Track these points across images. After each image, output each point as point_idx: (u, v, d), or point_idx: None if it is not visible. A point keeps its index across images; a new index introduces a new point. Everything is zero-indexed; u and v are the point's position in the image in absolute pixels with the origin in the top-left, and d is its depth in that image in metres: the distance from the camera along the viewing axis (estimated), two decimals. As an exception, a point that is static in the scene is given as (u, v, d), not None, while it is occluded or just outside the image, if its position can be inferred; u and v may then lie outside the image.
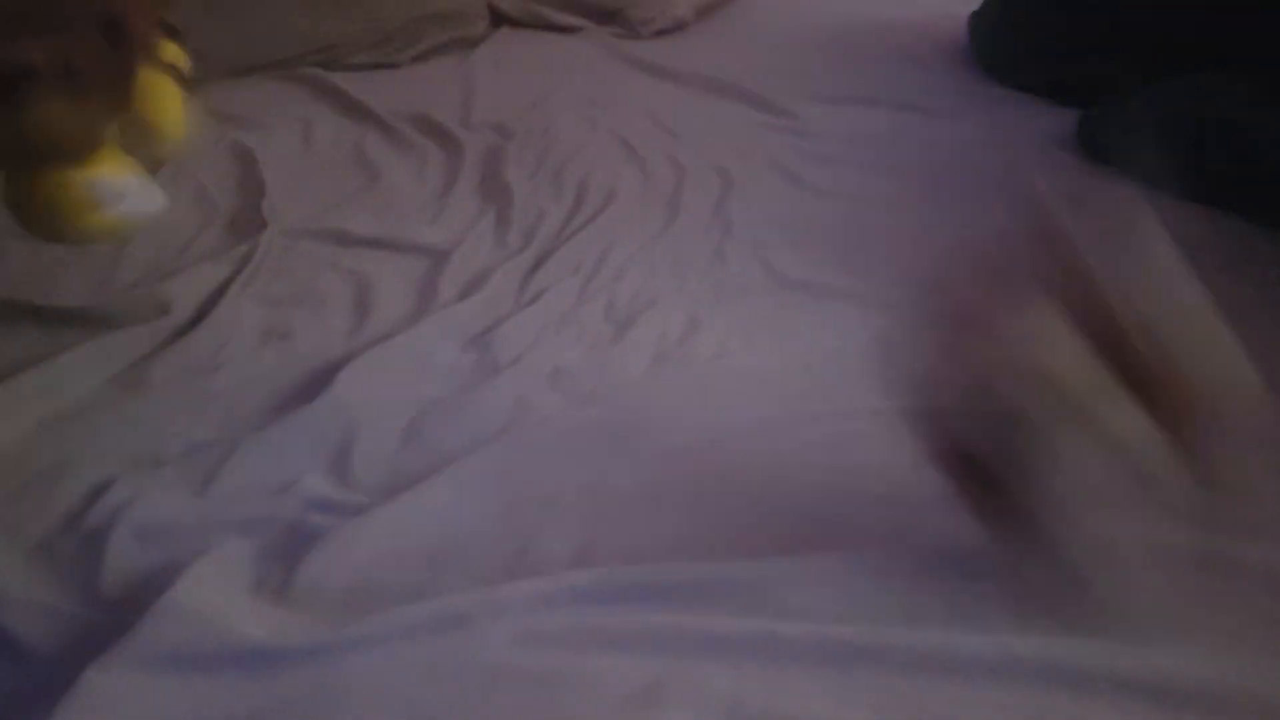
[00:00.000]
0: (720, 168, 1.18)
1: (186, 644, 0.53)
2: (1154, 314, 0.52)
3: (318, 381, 0.83)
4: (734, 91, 1.39)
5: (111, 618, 0.57)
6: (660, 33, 1.63)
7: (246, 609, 0.56)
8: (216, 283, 0.95)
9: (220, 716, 0.51)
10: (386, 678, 0.53)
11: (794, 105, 1.33)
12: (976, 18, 1.49)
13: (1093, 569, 0.52)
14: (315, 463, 0.72)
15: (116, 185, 0.78)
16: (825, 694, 0.52)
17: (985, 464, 0.54)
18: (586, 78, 1.46)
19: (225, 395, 0.81)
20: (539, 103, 1.37)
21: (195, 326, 0.89)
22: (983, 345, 0.50)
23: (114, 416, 0.77)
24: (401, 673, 0.54)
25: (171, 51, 0.87)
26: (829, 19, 1.69)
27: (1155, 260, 0.53)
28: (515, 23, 1.66)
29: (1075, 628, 0.55)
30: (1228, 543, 0.54)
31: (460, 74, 1.47)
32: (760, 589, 0.58)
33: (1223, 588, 0.53)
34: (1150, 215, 0.53)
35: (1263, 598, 0.53)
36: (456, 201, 1.14)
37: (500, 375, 0.84)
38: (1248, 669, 0.53)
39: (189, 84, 0.90)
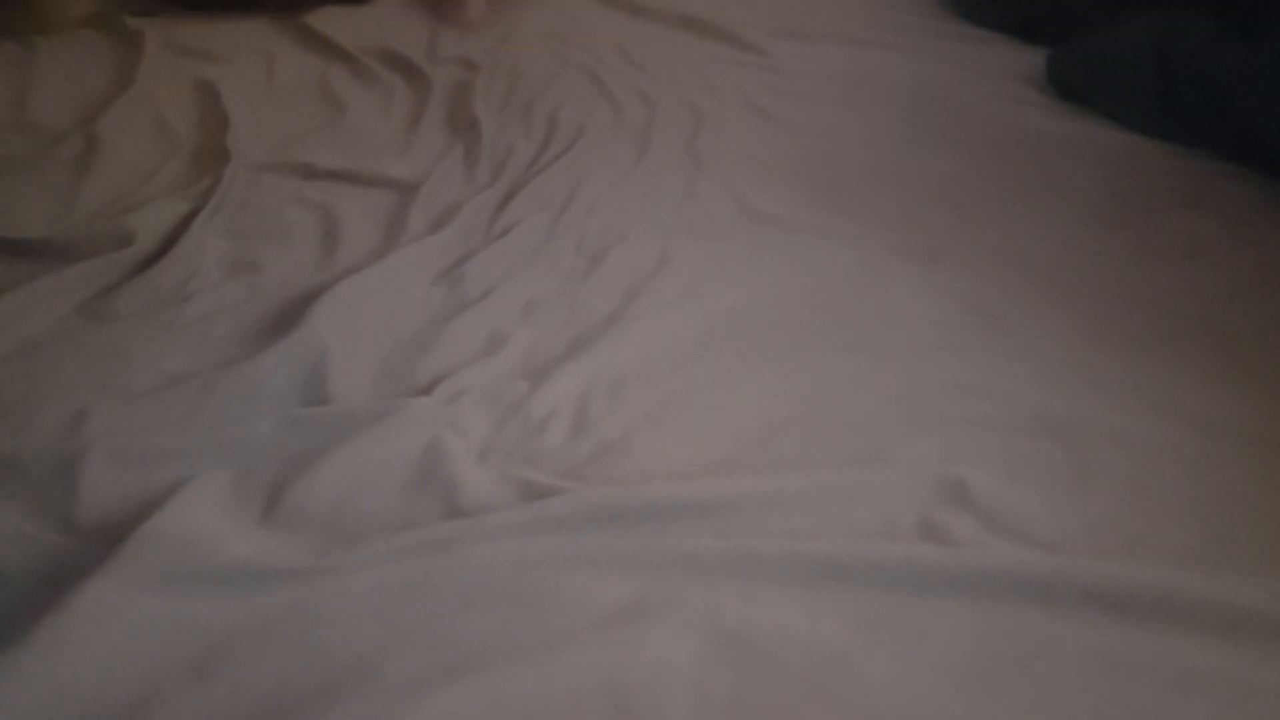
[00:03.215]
0: (690, 103, 1.18)
1: (171, 566, 0.53)
2: None
3: (288, 314, 0.82)
4: (704, 27, 1.38)
5: (88, 544, 0.57)
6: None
7: (230, 532, 0.56)
8: (181, 215, 0.94)
9: (205, 635, 0.51)
10: (368, 598, 0.54)
11: (764, 42, 1.33)
12: (947, -43, 1.49)
13: None
14: (292, 394, 0.72)
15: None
16: (800, 608, 0.53)
17: None
18: (555, 12, 1.44)
19: (195, 326, 0.80)
20: (506, 37, 1.35)
21: (161, 258, 0.88)
22: None
23: (83, 347, 0.76)
24: (383, 593, 0.54)
25: None
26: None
27: None
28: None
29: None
30: None
31: (425, 9, 1.44)
32: (738, 510, 0.60)
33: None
34: None
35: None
36: (424, 136, 1.13)
37: (472, 308, 0.84)
38: (1203, 580, 0.55)
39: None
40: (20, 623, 0.51)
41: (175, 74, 1.21)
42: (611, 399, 0.74)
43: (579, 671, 0.50)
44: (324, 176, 1.03)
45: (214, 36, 1.33)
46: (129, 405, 0.69)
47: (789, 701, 0.49)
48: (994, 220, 0.95)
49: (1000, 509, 0.61)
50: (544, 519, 0.59)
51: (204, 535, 0.56)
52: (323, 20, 1.39)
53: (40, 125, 1.08)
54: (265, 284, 0.87)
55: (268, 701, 0.49)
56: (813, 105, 1.18)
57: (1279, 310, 0.83)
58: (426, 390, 0.74)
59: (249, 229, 0.94)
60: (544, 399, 0.74)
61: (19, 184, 0.97)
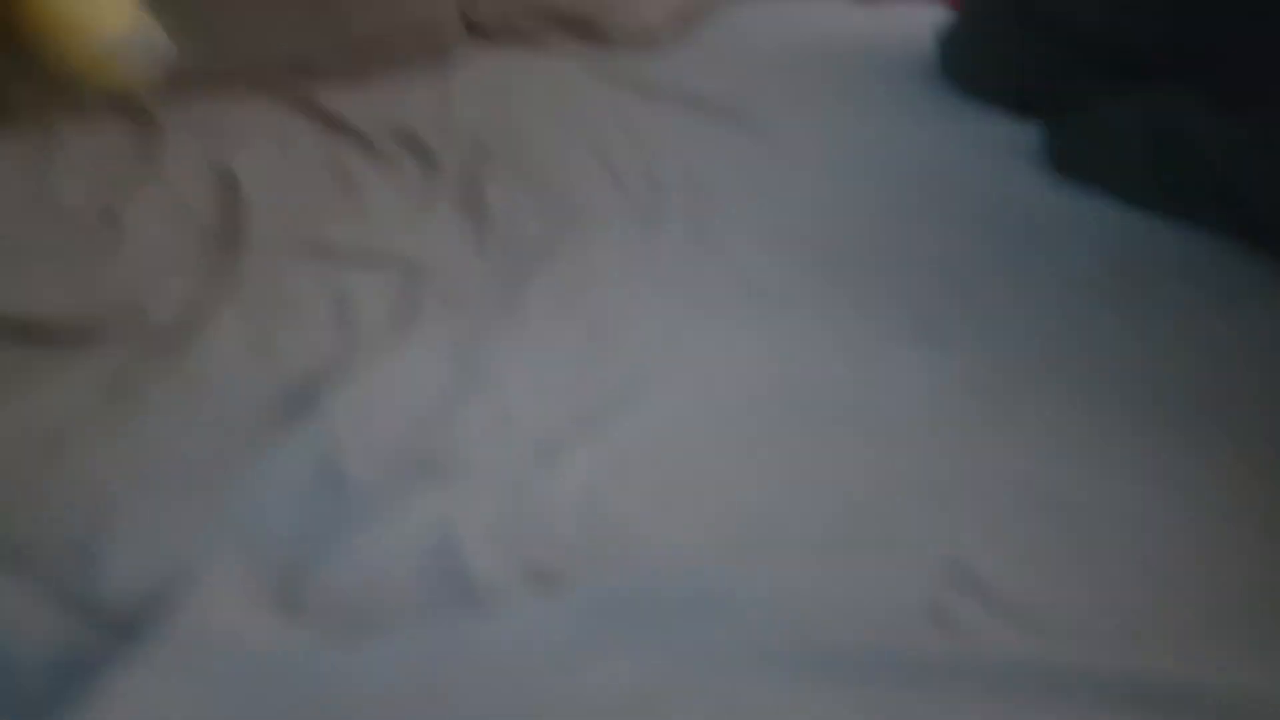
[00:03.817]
0: (695, 181, 1.21)
1: (190, 655, 0.54)
2: None
3: (303, 397, 0.84)
4: (708, 105, 1.41)
5: (109, 632, 0.58)
6: (636, 46, 1.65)
7: (248, 621, 0.57)
8: (199, 298, 0.96)
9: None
10: (384, 686, 0.55)
11: (767, 118, 1.36)
12: (943, 33, 1.53)
13: None
14: (307, 478, 0.73)
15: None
16: (813, 700, 0.54)
17: None
18: (563, 94, 1.48)
19: (214, 409, 0.82)
20: (516, 115, 1.39)
21: (180, 340, 0.90)
22: None
23: (102, 431, 0.78)
24: (398, 682, 0.55)
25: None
26: (802, 32, 1.72)
27: None
28: (490, 33, 1.67)
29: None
30: None
31: (436, 86, 1.48)
32: (749, 598, 0.60)
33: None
34: None
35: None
36: (436, 215, 1.15)
37: (482, 389, 0.86)
38: (1215, 670, 0.56)
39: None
40: (40, 711, 0.52)
41: (194, 156, 1.24)
42: (620, 479, 0.75)
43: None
44: (338, 256, 1.06)
45: (232, 117, 1.36)
46: (148, 491, 0.71)
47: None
48: (992, 295, 0.97)
49: (1007, 592, 0.62)
50: (555, 606, 0.60)
51: (222, 624, 0.57)
52: (336, 99, 1.43)
53: (62, 208, 1.11)
54: (281, 366, 0.89)
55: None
56: (814, 181, 1.21)
57: (1274, 383, 0.85)
58: (438, 471, 0.75)
59: (266, 310, 0.96)
60: (553, 479, 0.75)
61: (41, 267, 1.00)
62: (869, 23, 1.76)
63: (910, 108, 1.41)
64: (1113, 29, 1.26)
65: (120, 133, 1.31)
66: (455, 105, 1.43)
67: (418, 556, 0.66)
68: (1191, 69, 1.18)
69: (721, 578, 0.62)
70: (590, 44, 1.66)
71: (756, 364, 0.88)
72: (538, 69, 1.57)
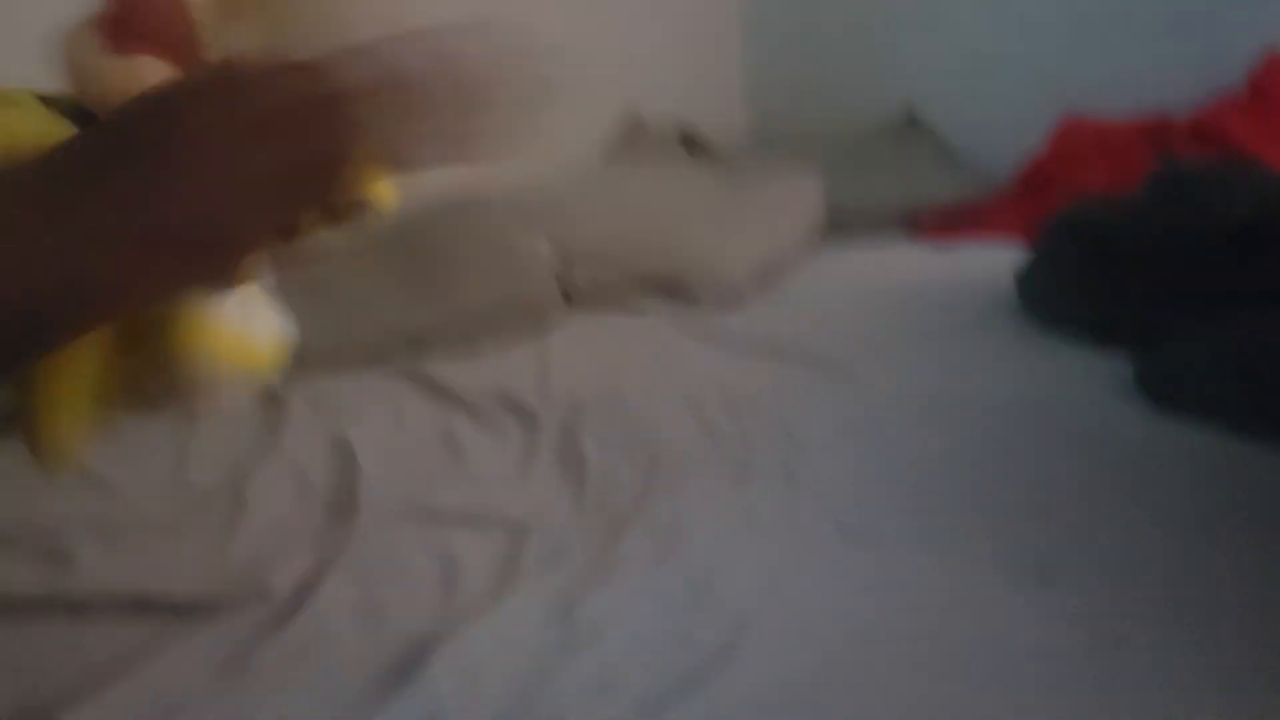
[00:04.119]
0: (785, 429, 1.24)
1: None
2: None
3: (408, 663, 0.86)
4: (794, 354, 1.47)
5: None
6: (722, 302, 1.74)
7: None
8: (314, 568, 1.00)
9: None
10: None
11: (852, 364, 1.40)
12: (1021, 271, 1.57)
13: None
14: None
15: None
16: None
17: None
18: (655, 350, 1.56)
19: (323, 679, 0.84)
20: (611, 376, 1.46)
21: (294, 610, 0.93)
22: None
23: (217, 704, 0.81)
24: None
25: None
26: (878, 279, 1.80)
27: None
28: (587, 303, 1.79)
29: None
30: None
31: (537, 353, 1.58)
32: None
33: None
34: None
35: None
36: (536, 474, 1.20)
37: (583, 648, 0.86)
38: None
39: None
40: None
41: (315, 430, 1.33)
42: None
43: None
44: (445, 520, 1.10)
45: (350, 392, 1.47)
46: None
47: None
48: (1098, 533, 0.94)
49: None
50: None
51: None
52: (445, 368, 1.53)
53: (194, 486, 1.20)
54: (388, 632, 0.91)
55: None
56: (904, 423, 1.22)
57: None
58: (540, 736, 0.75)
59: (375, 576, 1.00)
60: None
61: (171, 544, 1.07)
62: (944, 266, 1.83)
63: (994, 345, 1.44)
64: (1196, 261, 1.29)
65: (252, 411, 1.43)
66: (553, 368, 1.51)
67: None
68: (1274, 294, 1.19)
69: None
70: (678, 302, 1.76)
71: (858, 610, 0.87)
72: (630, 328, 1.67)
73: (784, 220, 2.01)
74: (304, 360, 1.53)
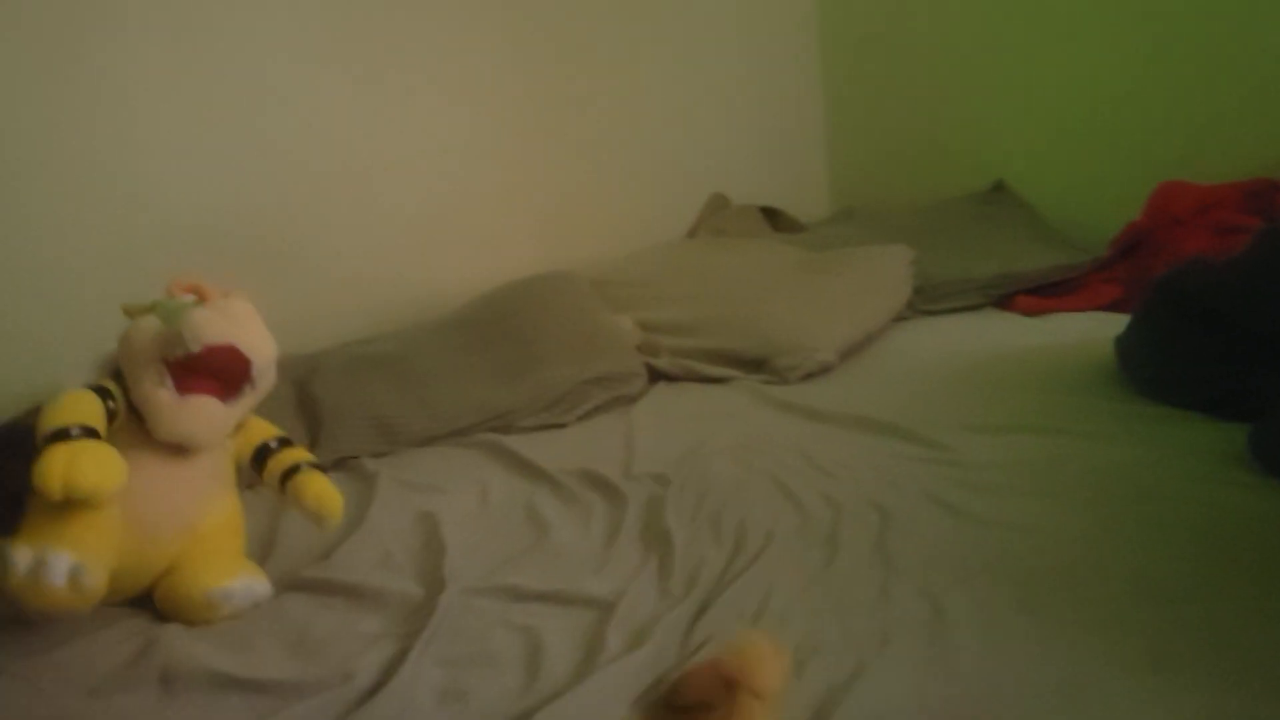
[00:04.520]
0: (877, 503, 1.20)
1: None
2: None
3: (492, 743, 0.84)
4: (883, 427, 1.43)
5: None
6: (807, 377, 1.72)
7: None
8: (399, 646, 1.00)
9: None
10: None
11: (944, 436, 1.36)
12: (1123, 339, 1.51)
13: None
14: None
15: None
16: None
17: None
18: (739, 423, 1.54)
19: (404, 762, 0.83)
20: (695, 450, 1.44)
21: (378, 691, 0.93)
22: None
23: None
24: None
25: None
26: (969, 350, 1.75)
27: None
28: (671, 378, 1.79)
29: None
30: None
31: (621, 428, 1.58)
32: None
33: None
34: None
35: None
36: (620, 552, 1.18)
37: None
38: None
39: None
40: None
41: (401, 507, 1.34)
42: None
43: None
44: (529, 598, 1.09)
45: (436, 469, 1.49)
46: None
47: None
48: (1220, 617, 0.88)
49: None
50: None
51: None
52: (528, 445, 1.53)
53: (279, 563, 1.21)
54: (472, 713, 0.90)
55: None
56: (1002, 498, 1.17)
57: None
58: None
59: (459, 656, 0.99)
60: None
61: (265, 624, 1.08)
62: (1039, 335, 1.77)
63: (1094, 415, 1.38)
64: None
65: (343, 489, 1.45)
66: (638, 442, 1.51)
67: None
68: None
69: None
70: (763, 378, 1.74)
71: (954, 697, 0.82)
72: (714, 402, 1.66)
73: (872, 294, 1.98)
74: (394, 438, 1.57)
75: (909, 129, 2.67)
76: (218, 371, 1.14)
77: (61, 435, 1.02)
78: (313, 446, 1.52)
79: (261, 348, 1.17)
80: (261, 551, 1.25)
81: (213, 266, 1.20)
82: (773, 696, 0.56)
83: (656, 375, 1.80)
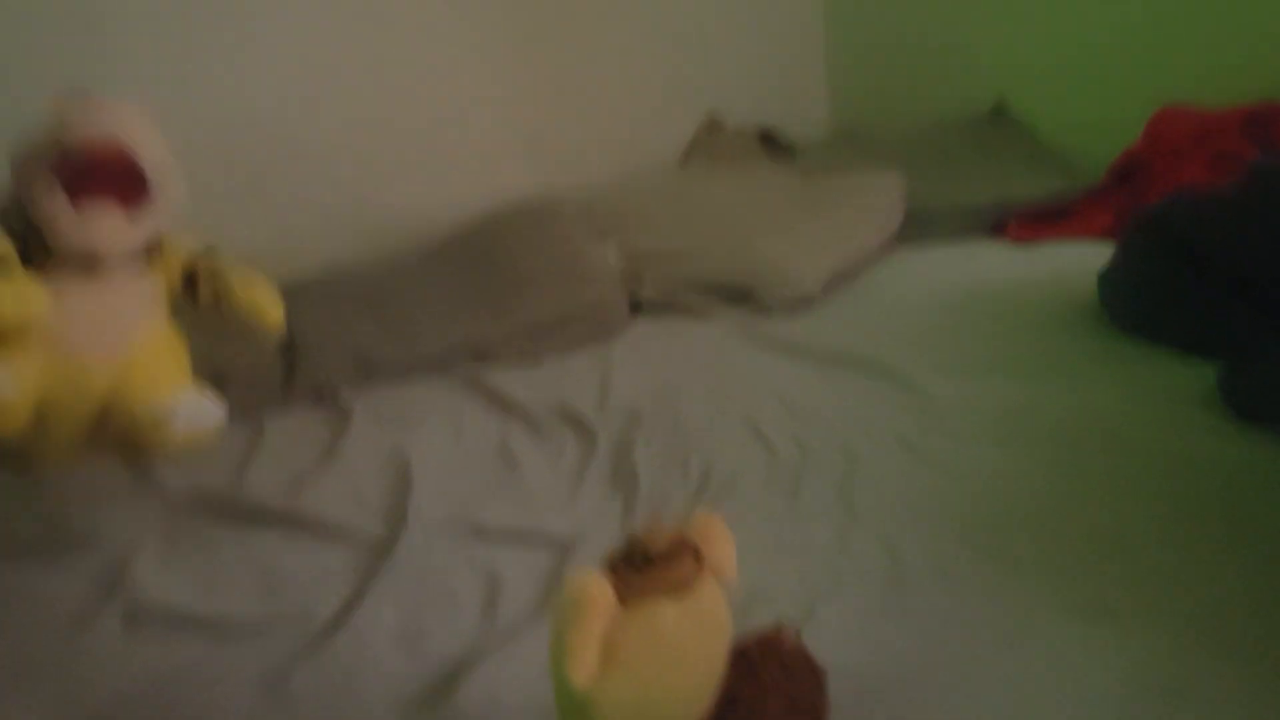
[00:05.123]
0: (845, 447, 1.19)
1: None
2: None
3: (446, 687, 0.86)
4: (862, 366, 1.42)
5: None
6: (790, 310, 1.70)
7: None
8: (359, 585, 1.01)
9: None
10: None
11: (922, 378, 1.34)
12: (1106, 276, 1.48)
13: None
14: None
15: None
16: None
17: None
18: (717, 361, 1.53)
19: (357, 701, 0.85)
20: (670, 387, 1.44)
21: (335, 630, 0.94)
22: None
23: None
24: None
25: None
26: (956, 284, 1.72)
27: None
28: (653, 310, 1.77)
29: None
30: None
31: (599, 364, 1.57)
32: None
33: None
34: None
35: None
36: (586, 491, 1.19)
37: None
38: None
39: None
40: None
41: (374, 442, 1.35)
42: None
43: None
44: (491, 537, 1.10)
45: (412, 403, 1.48)
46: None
47: None
48: (1172, 570, 0.88)
49: None
50: None
51: None
52: (506, 379, 1.53)
53: (250, 498, 1.22)
54: (428, 652, 0.92)
55: None
56: (970, 444, 1.16)
57: None
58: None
59: (417, 595, 1.00)
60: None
61: (231, 558, 1.09)
62: (1027, 267, 1.75)
63: (1072, 354, 1.36)
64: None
65: (316, 420, 1.46)
66: (614, 379, 1.50)
67: None
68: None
69: None
70: (746, 309, 1.72)
71: (904, 645, 0.83)
72: (694, 337, 1.64)
73: (860, 224, 1.94)
74: (372, 370, 1.57)
75: (910, 48, 2.59)
76: (105, 173, 1.08)
77: None
78: (290, 378, 1.53)
79: (149, 145, 1.11)
80: (234, 482, 1.26)
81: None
82: (725, 575, 0.56)
83: (640, 307, 1.78)
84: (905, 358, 1.42)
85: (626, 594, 0.50)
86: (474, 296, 1.70)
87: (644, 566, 0.51)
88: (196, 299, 1.22)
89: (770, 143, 2.54)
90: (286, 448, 1.35)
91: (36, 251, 1.08)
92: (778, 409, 1.33)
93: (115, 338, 1.13)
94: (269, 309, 1.22)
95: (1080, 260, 1.70)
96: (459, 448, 1.35)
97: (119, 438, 1.11)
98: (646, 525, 0.54)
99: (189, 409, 1.10)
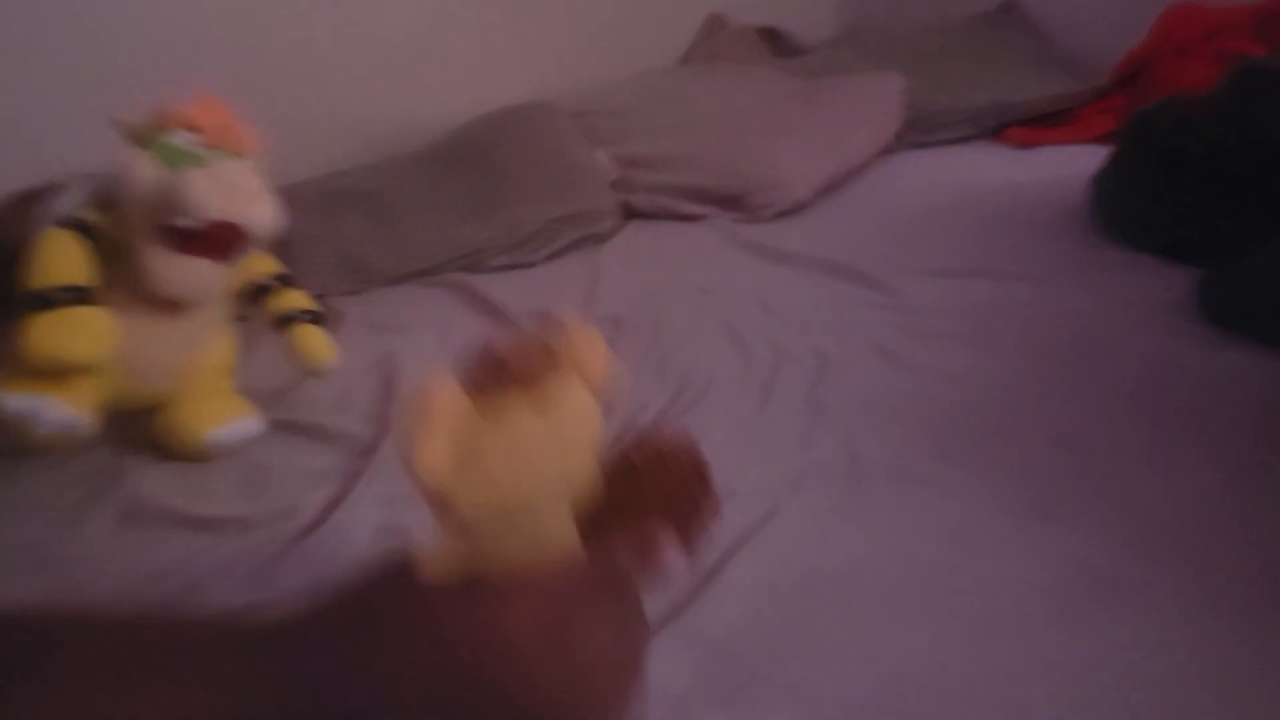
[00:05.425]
0: (818, 349, 1.21)
1: None
2: None
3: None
4: (842, 270, 1.42)
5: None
6: (780, 215, 1.70)
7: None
8: (344, 485, 1.05)
9: None
10: None
11: (900, 281, 1.35)
12: (1098, 179, 1.47)
13: None
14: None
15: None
16: None
17: None
18: (703, 265, 1.54)
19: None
20: (655, 293, 1.45)
21: (318, 527, 0.98)
22: None
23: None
24: None
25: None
26: (950, 188, 1.71)
27: None
28: (644, 215, 1.77)
29: None
30: None
31: (588, 269, 1.58)
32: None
33: None
34: None
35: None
36: (567, 394, 1.21)
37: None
38: None
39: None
40: None
41: (363, 348, 1.38)
42: (708, 666, 0.75)
43: None
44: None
45: (402, 309, 1.51)
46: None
47: None
48: (1120, 469, 0.90)
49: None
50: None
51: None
52: (495, 285, 1.55)
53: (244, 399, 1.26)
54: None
55: None
56: (941, 345, 1.18)
57: None
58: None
59: (399, 495, 1.04)
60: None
61: (221, 460, 1.13)
62: (1020, 170, 1.73)
63: (1057, 258, 1.36)
64: (1266, 178, 1.18)
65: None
66: (601, 283, 1.51)
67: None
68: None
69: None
70: (738, 214, 1.72)
71: (852, 547, 0.86)
72: (682, 242, 1.65)
73: (859, 127, 1.92)
74: (364, 276, 1.59)
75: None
76: (214, 241, 1.08)
77: (45, 302, 0.99)
78: (284, 285, 1.55)
79: (264, 218, 1.10)
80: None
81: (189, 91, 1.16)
82: (595, 383, 0.55)
83: (631, 213, 1.79)
84: (888, 261, 1.42)
85: (486, 405, 0.51)
86: (464, 202, 1.71)
87: (501, 377, 0.51)
88: (257, 309, 1.23)
89: (775, 43, 2.49)
90: (277, 353, 1.38)
91: (115, 266, 1.07)
92: (758, 313, 1.34)
93: (182, 360, 1.15)
94: (320, 357, 1.22)
95: (1077, 165, 1.68)
96: (444, 354, 1.37)
97: (162, 440, 1.15)
98: (508, 338, 0.54)
99: (233, 436, 1.14)
